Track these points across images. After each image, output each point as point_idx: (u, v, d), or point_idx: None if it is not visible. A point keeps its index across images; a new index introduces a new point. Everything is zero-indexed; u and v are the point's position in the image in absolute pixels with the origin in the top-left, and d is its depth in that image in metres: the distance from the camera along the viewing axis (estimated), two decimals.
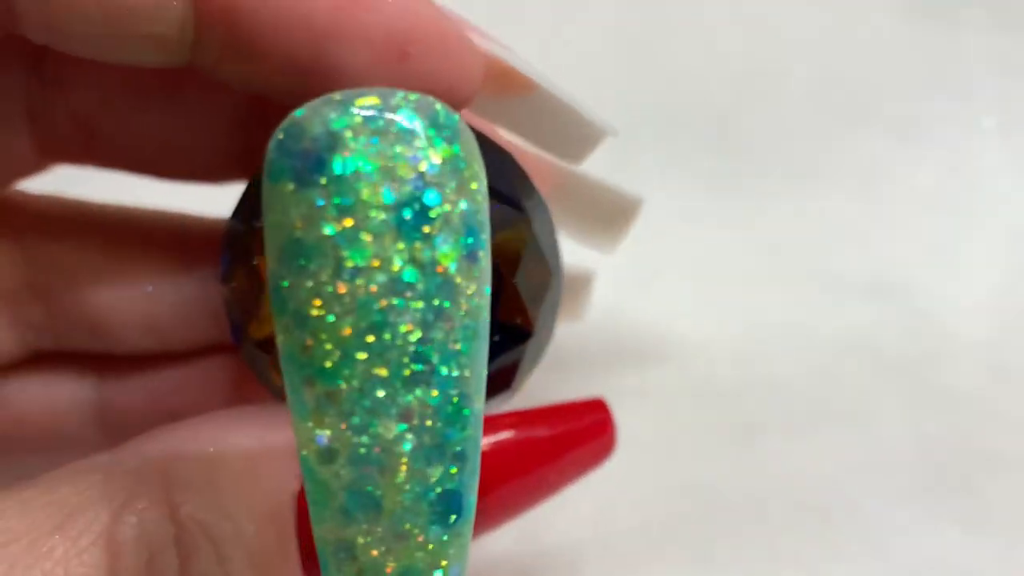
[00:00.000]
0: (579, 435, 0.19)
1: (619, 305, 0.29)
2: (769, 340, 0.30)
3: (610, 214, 0.24)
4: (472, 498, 0.13)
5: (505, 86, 0.19)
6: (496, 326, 0.17)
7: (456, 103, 0.17)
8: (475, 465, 0.13)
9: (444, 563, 0.13)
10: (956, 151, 0.34)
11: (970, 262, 0.32)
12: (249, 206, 0.19)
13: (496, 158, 0.19)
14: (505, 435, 0.18)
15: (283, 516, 0.16)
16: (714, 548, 0.24)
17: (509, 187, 0.18)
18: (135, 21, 0.16)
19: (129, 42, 0.17)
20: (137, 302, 0.21)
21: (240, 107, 0.20)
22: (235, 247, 0.19)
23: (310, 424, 0.13)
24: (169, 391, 0.22)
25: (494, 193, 0.16)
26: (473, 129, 0.16)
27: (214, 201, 0.22)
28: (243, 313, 0.19)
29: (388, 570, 0.13)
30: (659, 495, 0.24)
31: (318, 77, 0.17)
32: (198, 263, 0.21)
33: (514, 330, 0.18)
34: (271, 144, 0.13)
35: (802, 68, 0.35)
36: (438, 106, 0.13)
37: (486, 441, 0.17)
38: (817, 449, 0.26)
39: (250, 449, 0.16)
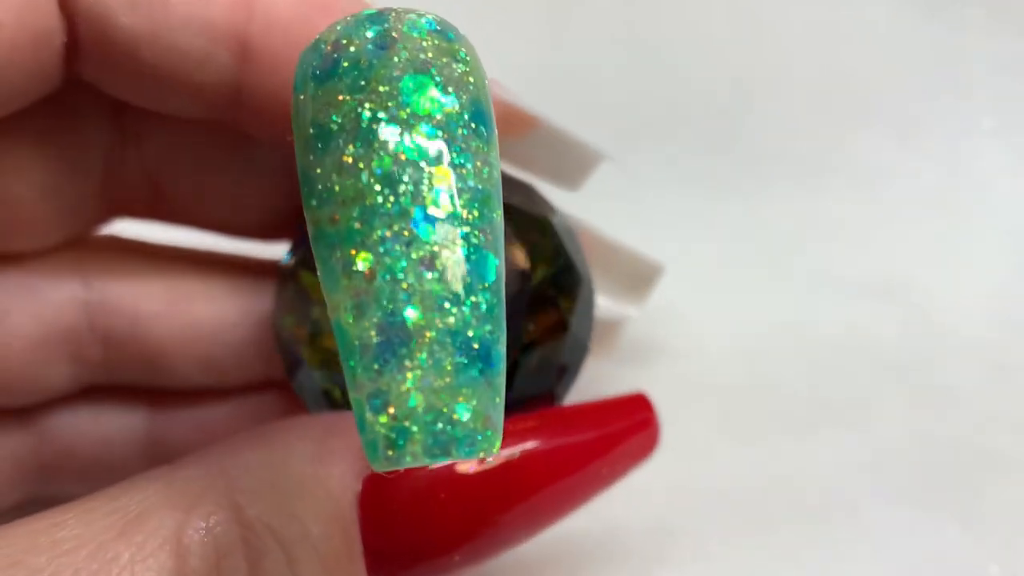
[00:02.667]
0: (625, 432, 0.20)
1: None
2: (769, 339, 0.30)
3: (634, 278, 0.26)
4: (499, 352, 0.13)
5: (513, 128, 0.20)
6: (532, 328, 0.19)
7: None
8: (500, 320, 0.14)
9: (476, 408, 0.13)
10: (956, 151, 0.34)
11: (970, 262, 0.32)
12: (299, 247, 0.20)
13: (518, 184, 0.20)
14: (556, 435, 0.18)
15: (347, 517, 0.16)
16: (714, 548, 0.24)
17: (528, 200, 0.19)
18: (184, 66, 0.17)
19: (176, 88, 0.17)
20: (194, 341, 0.21)
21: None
22: (286, 284, 0.20)
23: (342, 285, 0.13)
24: (219, 425, 0.22)
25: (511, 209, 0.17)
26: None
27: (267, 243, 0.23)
28: (294, 344, 0.19)
29: (422, 411, 0.13)
30: (658, 494, 0.24)
31: None
32: (253, 303, 0.22)
33: (552, 328, 0.19)
34: (299, 58, 0.14)
35: (802, 68, 0.35)
36: (434, 15, 0.14)
37: (532, 445, 0.18)
38: (817, 449, 0.26)
39: (312, 452, 0.16)
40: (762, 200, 0.33)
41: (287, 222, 0.22)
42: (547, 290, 0.19)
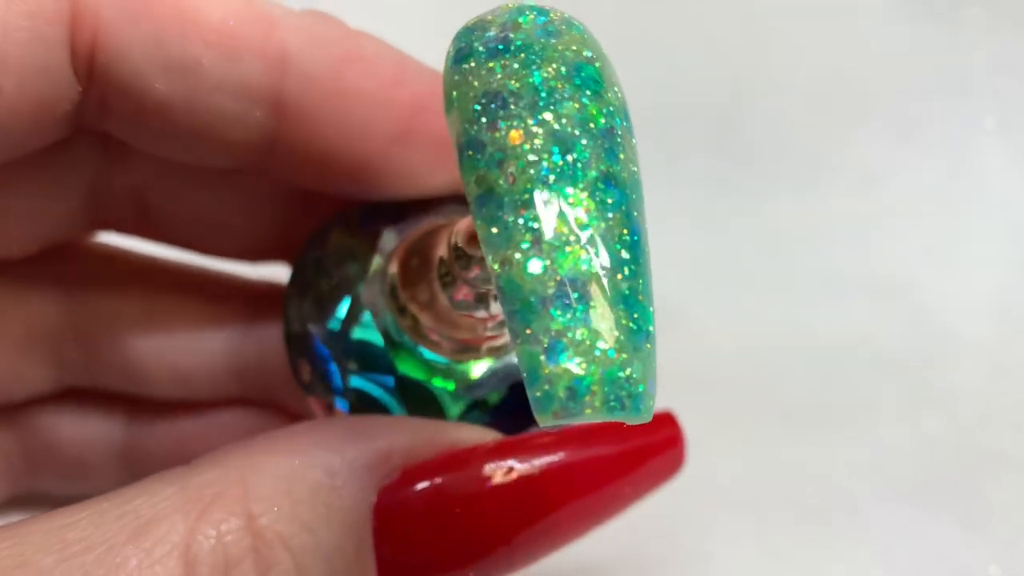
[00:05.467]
0: (649, 449, 0.19)
1: None
2: (770, 339, 0.30)
3: None
4: (654, 327, 0.14)
5: None
6: None
7: None
8: (650, 286, 0.14)
9: (642, 374, 0.13)
10: (956, 151, 0.34)
11: (970, 262, 0.32)
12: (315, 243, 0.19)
13: None
14: (577, 450, 0.18)
15: (361, 529, 0.16)
16: (714, 547, 0.24)
17: None
18: (218, 125, 0.17)
19: (210, 145, 0.18)
20: (170, 353, 0.21)
21: (285, 196, 0.21)
22: (314, 282, 0.19)
23: (517, 241, 0.13)
24: (192, 439, 0.22)
25: None
26: None
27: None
28: (325, 343, 0.19)
29: (603, 360, 0.13)
30: (658, 493, 0.24)
31: (385, 177, 0.18)
32: (229, 320, 0.22)
33: None
34: (458, 35, 0.15)
35: (802, 68, 0.35)
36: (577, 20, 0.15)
37: (551, 460, 0.18)
38: (817, 449, 0.26)
39: (328, 461, 0.16)
40: (762, 200, 0.33)
41: (272, 246, 0.22)
42: None
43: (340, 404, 0.19)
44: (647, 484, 0.20)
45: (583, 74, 0.14)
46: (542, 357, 0.13)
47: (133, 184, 0.21)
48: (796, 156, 0.34)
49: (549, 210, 0.13)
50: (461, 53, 0.14)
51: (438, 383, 0.19)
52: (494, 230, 0.14)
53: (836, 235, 0.32)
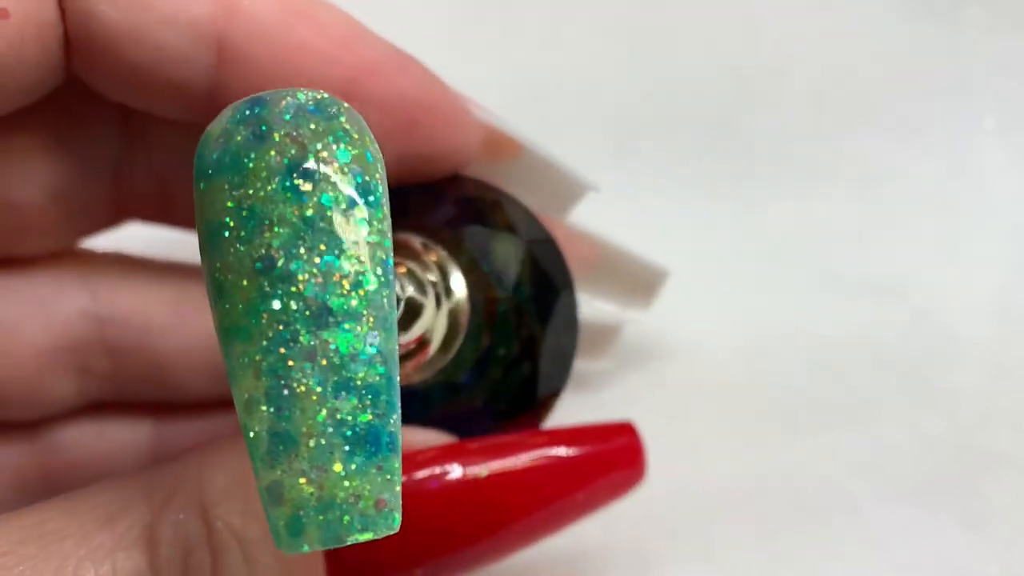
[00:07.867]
0: (608, 459, 0.20)
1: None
2: (769, 339, 0.30)
3: (640, 283, 0.27)
4: (390, 432, 0.14)
5: (498, 152, 0.20)
6: (524, 373, 0.19)
7: (456, 166, 0.20)
8: (390, 401, 0.14)
9: (366, 493, 0.13)
10: (956, 151, 0.34)
11: (971, 262, 0.32)
12: None
13: (545, 245, 0.20)
14: (534, 455, 0.18)
15: None
16: (714, 548, 0.24)
17: (553, 270, 0.20)
18: (162, 63, 0.17)
19: (154, 85, 0.18)
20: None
21: None
22: None
23: (238, 379, 0.14)
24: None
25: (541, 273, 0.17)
26: (533, 215, 0.19)
27: None
28: None
29: (313, 503, 0.13)
30: (658, 493, 0.24)
31: None
32: None
33: (525, 347, 0.19)
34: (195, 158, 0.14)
35: (802, 68, 0.35)
36: (323, 93, 0.14)
37: (516, 462, 0.18)
38: (817, 449, 0.26)
39: None
40: (762, 200, 0.33)
41: None
42: (517, 310, 0.19)
43: None
44: (603, 496, 0.20)
45: (297, 180, 0.13)
46: (265, 497, 0.14)
47: (155, 168, 0.21)
48: (796, 156, 0.34)
49: (259, 350, 0.13)
50: (195, 172, 0.14)
51: None
52: (227, 364, 0.14)
53: (836, 235, 0.32)
